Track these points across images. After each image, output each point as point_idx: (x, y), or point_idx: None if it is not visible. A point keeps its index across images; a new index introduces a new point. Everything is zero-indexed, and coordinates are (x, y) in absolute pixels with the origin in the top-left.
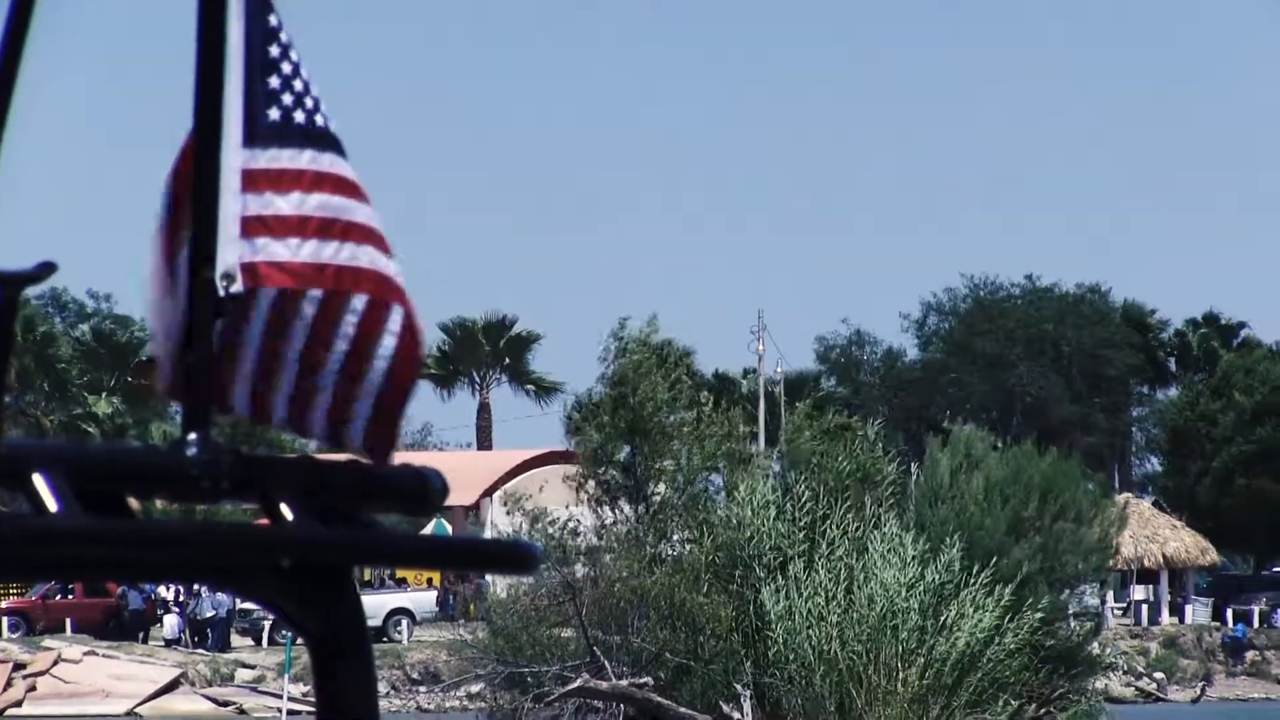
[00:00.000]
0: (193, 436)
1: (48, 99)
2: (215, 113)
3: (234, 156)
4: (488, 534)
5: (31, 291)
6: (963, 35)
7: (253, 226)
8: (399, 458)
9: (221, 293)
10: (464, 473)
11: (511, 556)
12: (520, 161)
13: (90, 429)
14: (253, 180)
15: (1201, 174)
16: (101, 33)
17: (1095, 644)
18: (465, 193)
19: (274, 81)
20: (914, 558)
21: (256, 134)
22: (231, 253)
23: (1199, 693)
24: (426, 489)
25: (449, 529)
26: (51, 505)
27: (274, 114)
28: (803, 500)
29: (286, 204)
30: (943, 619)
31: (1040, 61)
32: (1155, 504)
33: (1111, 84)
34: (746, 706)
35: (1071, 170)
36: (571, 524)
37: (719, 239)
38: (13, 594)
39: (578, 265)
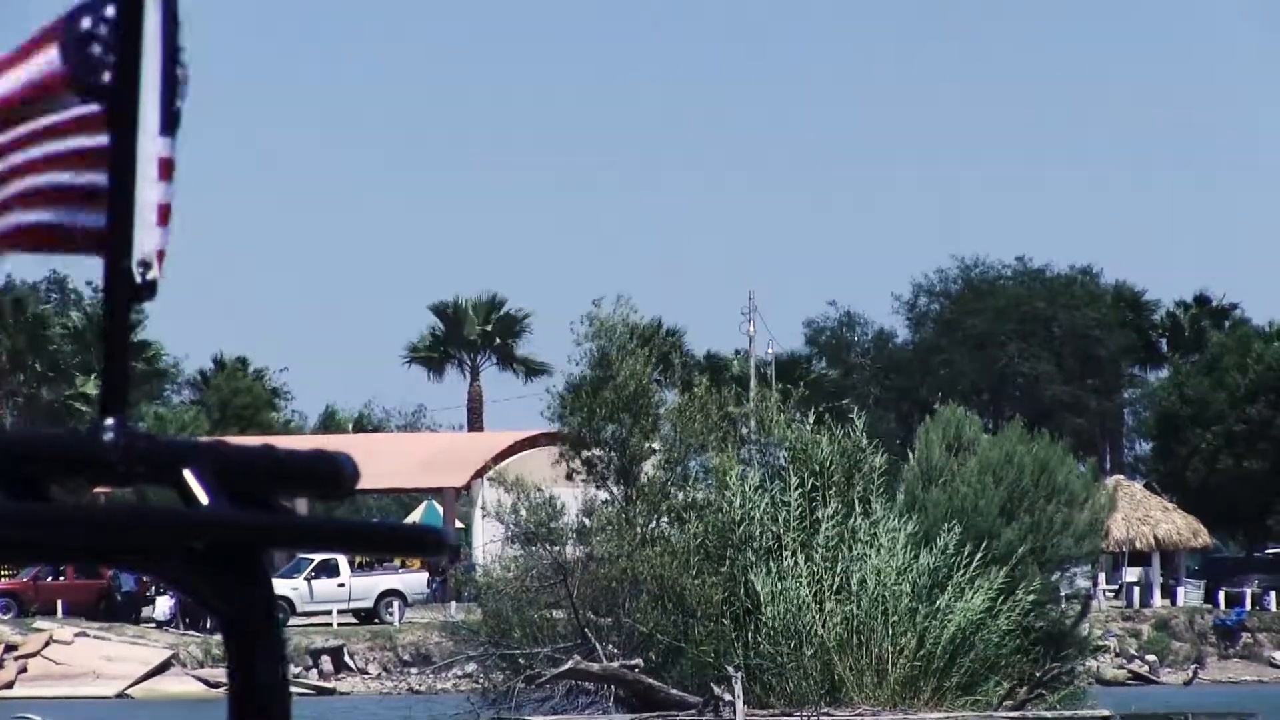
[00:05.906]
0: (110, 422)
1: None
2: (134, 98)
3: (152, 144)
4: (477, 515)
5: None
6: (954, 17)
7: (165, 214)
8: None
9: (139, 280)
10: (455, 454)
11: (422, 540)
12: (510, 142)
13: (81, 408)
14: (166, 168)
15: (1191, 155)
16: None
17: (1086, 625)
18: (455, 173)
19: (180, 72)
20: (907, 541)
21: (171, 122)
22: (149, 240)
23: (1191, 675)
24: (339, 473)
25: (440, 510)
26: None
27: (178, 103)
28: (793, 485)
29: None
30: (936, 603)
31: (1032, 43)
32: (1147, 486)
33: (1102, 64)
34: (737, 688)
35: (1062, 151)
36: (559, 504)
37: (710, 219)
38: (4, 575)
39: (568, 246)
